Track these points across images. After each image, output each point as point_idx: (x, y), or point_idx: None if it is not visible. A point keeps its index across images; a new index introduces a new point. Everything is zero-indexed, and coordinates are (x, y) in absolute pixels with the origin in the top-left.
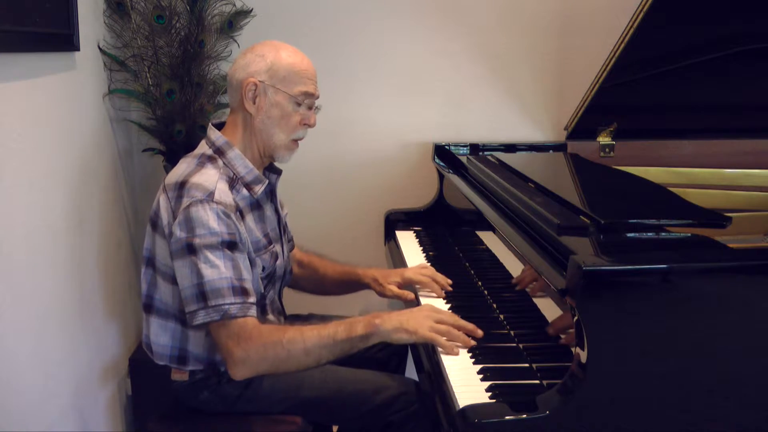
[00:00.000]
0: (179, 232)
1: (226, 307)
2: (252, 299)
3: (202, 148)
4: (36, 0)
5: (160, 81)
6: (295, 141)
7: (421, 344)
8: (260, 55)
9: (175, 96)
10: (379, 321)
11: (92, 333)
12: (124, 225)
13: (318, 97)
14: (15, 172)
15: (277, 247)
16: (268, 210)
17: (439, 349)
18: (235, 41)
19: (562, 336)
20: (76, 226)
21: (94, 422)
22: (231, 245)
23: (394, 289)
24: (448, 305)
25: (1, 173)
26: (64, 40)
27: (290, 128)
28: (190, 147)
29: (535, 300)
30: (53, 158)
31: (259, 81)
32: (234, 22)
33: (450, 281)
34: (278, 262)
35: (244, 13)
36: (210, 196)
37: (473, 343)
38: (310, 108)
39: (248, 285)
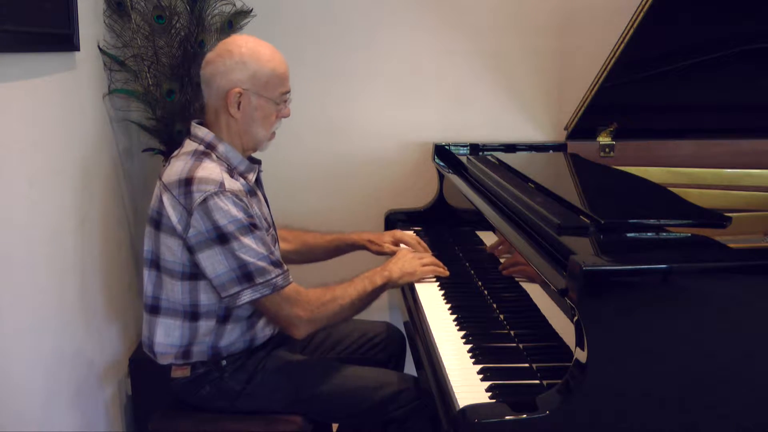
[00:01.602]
0: (201, 226)
1: (274, 280)
2: (286, 267)
3: (191, 146)
4: (36, 0)
5: (160, 81)
6: (273, 132)
7: (420, 344)
8: (241, 62)
9: (175, 96)
10: (388, 272)
11: (92, 333)
12: (124, 225)
13: (290, 89)
14: (15, 172)
15: (273, 231)
16: (261, 196)
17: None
18: None
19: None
20: (77, 226)
21: (94, 422)
22: (253, 226)
23: (392, 246)
24: (448, 305)
25: (1, 173)
26: (64, 40)
27: (270, 124)
28: None
29: (534, 300)
30: (53, 158)
31: (243, 89)
32: (234, 22)
33: (425, 245)
34: (276, 245)
35: (244, 13)
36: (221, 187)
37: (447, 273)
38: (285, 102)
39: (278, 256)
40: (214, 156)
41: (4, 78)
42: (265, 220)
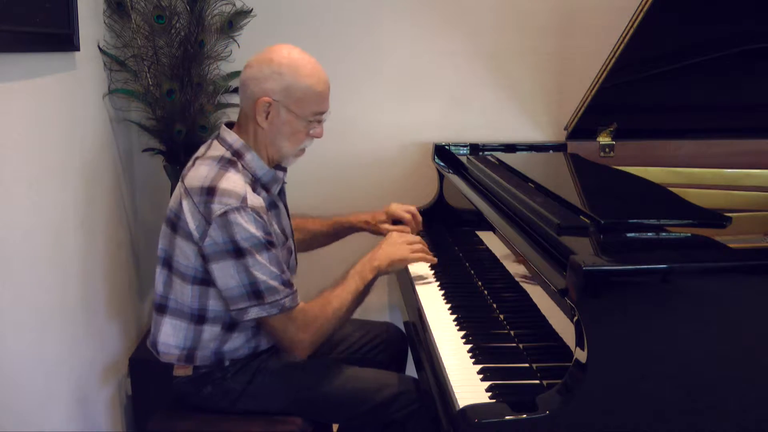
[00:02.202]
0: (218, 237)
1: (283, 301)
2: (295, 287)
3: (218, 150)
4: (36, 0)
5: (160, 81)
6: (302, 150)
7: (421, 344)
8: (278, 72)
9: (175, 96)
10: (377, 263)
11: (92, 332)
12: (124, 225)
13: (328, 109)
14: (15, 172)
15: (290, 242)
16: (281, 207)
17: (436, 343)
18: (235, 41)
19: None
20: (77, 226)
21: (94, 422)
22: (270, 244)
23: (387, 226)
24: (449, 305)
25: (1, 173)
26: (64, 40)
27: (298, 141)
28: (190, 147)
29: (534, 300)
30: (53, 158)
31: (274, 100)
32: (234, 22)
33: (420, 219)
34: (292, 256)
35: (244, 13)
36: (244, 202)
37: (435, 260)
38: (319, 122)
39: (289, 276)
40: (240, 166)
41: (4, 78)
42: (283, 232)
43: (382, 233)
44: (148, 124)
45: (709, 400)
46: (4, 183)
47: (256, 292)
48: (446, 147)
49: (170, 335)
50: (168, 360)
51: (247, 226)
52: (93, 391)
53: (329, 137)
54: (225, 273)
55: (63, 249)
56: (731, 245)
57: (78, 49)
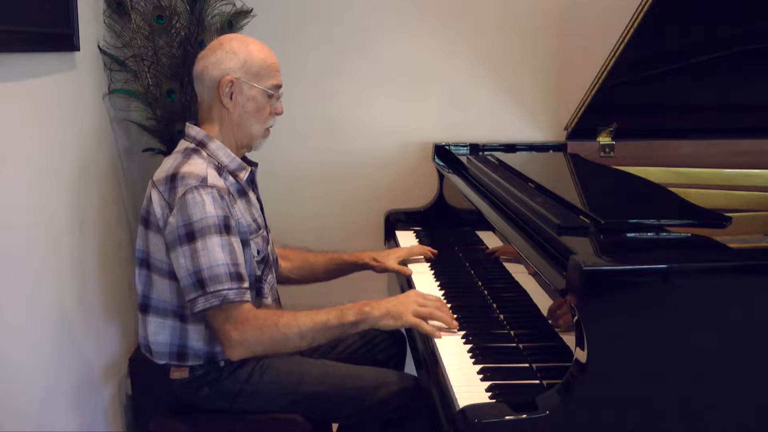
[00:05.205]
0: (175, 221)
1: (225, 292)
2: (246, 284)
3: (183, 144)
4: (36, 0)
5: (160, 81)
6: (268, 129)
7: (421, 346)
8: (232, 52)
9: (175, 96)
10: (368, 308)
11: (92, 333)
12: (124, 225)
13: (282, 84)
14: (15, 172)
15: (265, 232)
16: (253, 197)
17: (435, 341)
18: None
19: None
20: (76, 226)
21: (94, 422)
22: (227, 228)
23: (395, 264)
24: (449, 305)
25: (1, 173)
26: (64, 40)
27: (264, 119)
28: None
29: (534, 300)
30: (53, 158)
31: (235, 78)
32: (234, 22)
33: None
34: (269, 246)
35: (244, 13)
36: (203, 182)
37: (456, 324)
38: (278, 98)
39: (243, 270)
40: (204, 153)
41: (4, 78)
42: (255, 221)
43: (388, 270)
44: (148, 124)
45: (709, 400)
46: (4, 183)
47: (201, 281)
48: (446, 147)
49: (157, 333)
50: (162, 360)
51: (205, 205)
52: (93, 391)
53: (329, 137)
54: (178, 262)
55: (62, 249)
56: (731, 245)
57: (78, 49)
